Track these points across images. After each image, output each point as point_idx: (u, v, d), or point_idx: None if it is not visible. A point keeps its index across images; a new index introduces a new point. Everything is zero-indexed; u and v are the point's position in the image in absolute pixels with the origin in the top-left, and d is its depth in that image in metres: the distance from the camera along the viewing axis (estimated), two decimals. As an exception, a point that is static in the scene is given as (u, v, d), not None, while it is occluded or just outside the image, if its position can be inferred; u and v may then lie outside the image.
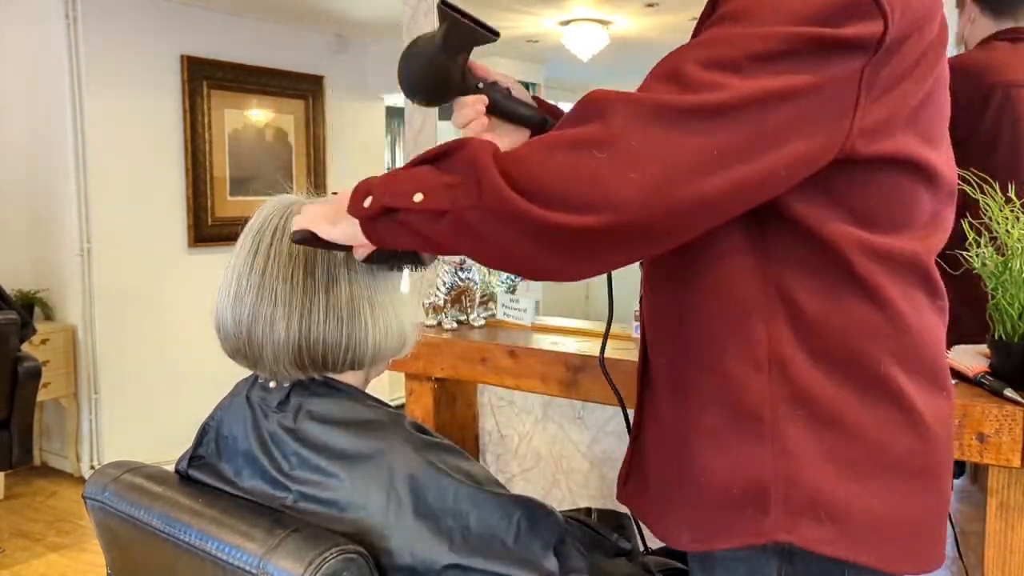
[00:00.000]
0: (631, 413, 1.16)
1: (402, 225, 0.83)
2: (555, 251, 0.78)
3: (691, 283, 0.92)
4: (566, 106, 1.48)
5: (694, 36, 0.92)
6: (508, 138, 1.09)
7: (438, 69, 1.05)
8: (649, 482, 1.01)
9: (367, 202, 0.85)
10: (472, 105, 1.06)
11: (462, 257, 2.02)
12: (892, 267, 0.88)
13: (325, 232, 0.90)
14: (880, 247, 0.87)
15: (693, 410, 0.92)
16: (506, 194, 0.75)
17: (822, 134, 0.79)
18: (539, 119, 1.11)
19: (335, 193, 0.96)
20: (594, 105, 0.80)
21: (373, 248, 0.92)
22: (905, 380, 0.89)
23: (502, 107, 1.10)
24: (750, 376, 0.88)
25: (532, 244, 0.78)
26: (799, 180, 0.82)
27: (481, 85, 1.09)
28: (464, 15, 1.00)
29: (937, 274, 0.93)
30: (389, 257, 0.97)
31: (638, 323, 1.32)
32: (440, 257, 1.01)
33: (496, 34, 1.01)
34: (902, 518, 0.90)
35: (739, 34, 0.78)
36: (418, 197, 0.81)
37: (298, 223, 0.93)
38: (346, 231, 0.89)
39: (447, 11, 1.00)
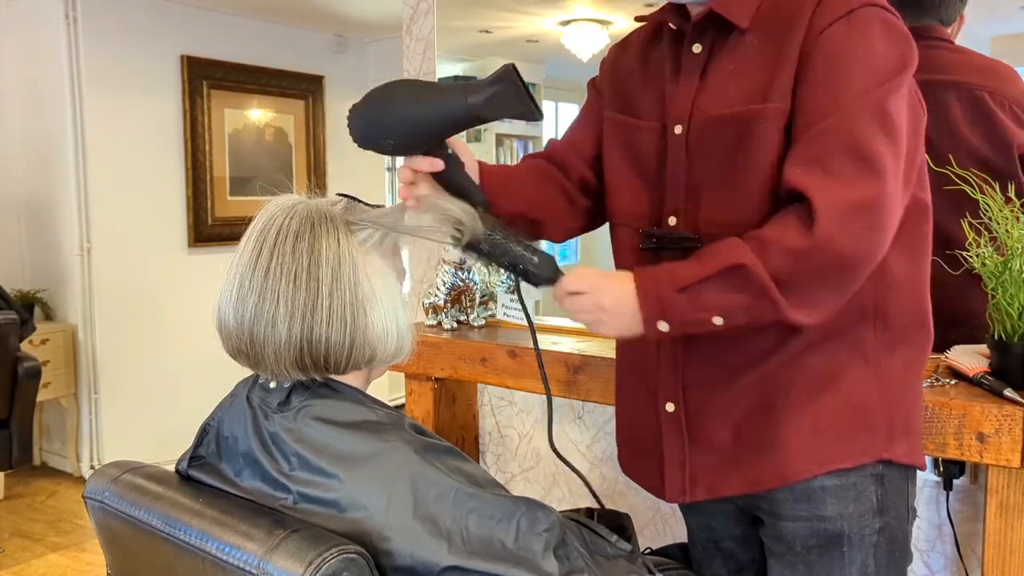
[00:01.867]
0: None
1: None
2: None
3: None
4: (566, 107, 1.48)
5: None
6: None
7: (445, 120, 1.04)
8: (737, 454, 1.15)
9: (663, 327, 1.03)
10: (429, 165, 1.11)
11: (462, 257, 2.02)
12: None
13: (604, 318, 1.07)
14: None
15: (795, 358, 1.10)
16: (791, 315, 1.01)
17: None
18: (483, 200, 1.14)
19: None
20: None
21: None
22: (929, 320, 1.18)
23: (453, 179, 1.12)
24: (855, 324, 1.10)
25: None
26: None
27: (450, 151, 1.11)
28: (525, 88, 1.01)
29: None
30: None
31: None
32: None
33: (541, 115, 1.06)
34: (920, 422, 1.20)
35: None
36: (718, 320, 1.02)
37: (580, 319, 1.08)
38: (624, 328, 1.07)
39: (513, 78, 1.00)
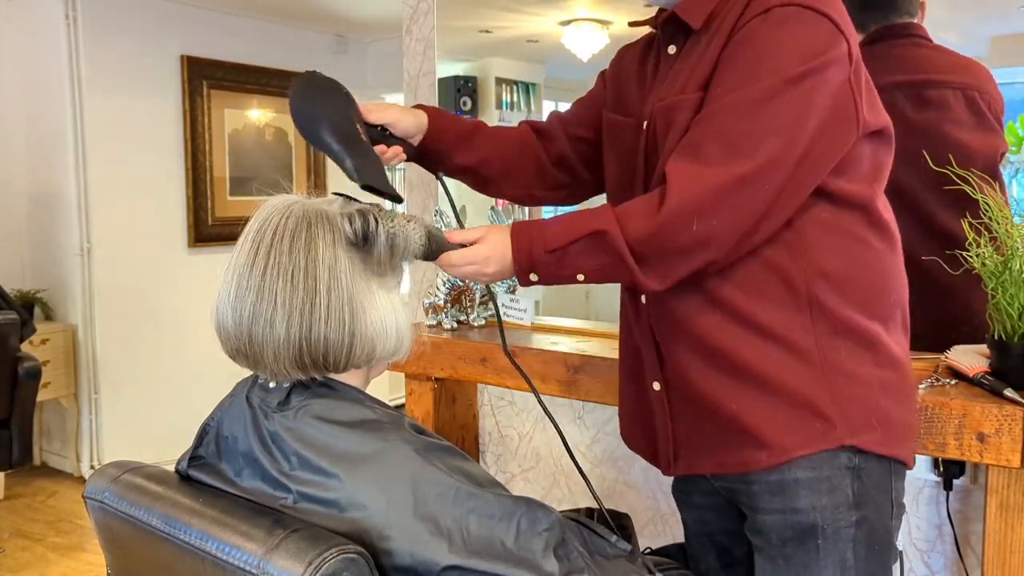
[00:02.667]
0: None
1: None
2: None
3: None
4: (565, 106, 1.50)
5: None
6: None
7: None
8: (708, 435, 1.20)
9: (533, 277, 1.14)
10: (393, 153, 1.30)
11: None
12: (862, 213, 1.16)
13: (485, 279, 1.18)
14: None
15: (744, 346, 1.14)
16: (641, 279, 1.10)
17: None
18: (413, 152, 1.34)
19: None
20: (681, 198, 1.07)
21: None
22: (902, 312, 1.21)
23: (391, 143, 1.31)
24: (793, 315, 1.12)
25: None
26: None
27: (381, 128, 1.29)
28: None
29: (886, 215, 1.19)
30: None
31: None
32: None
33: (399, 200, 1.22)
34: (911, 425, 1.21)
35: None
36: (580, 277, 1.13)
37: (470, 256, 1.14)
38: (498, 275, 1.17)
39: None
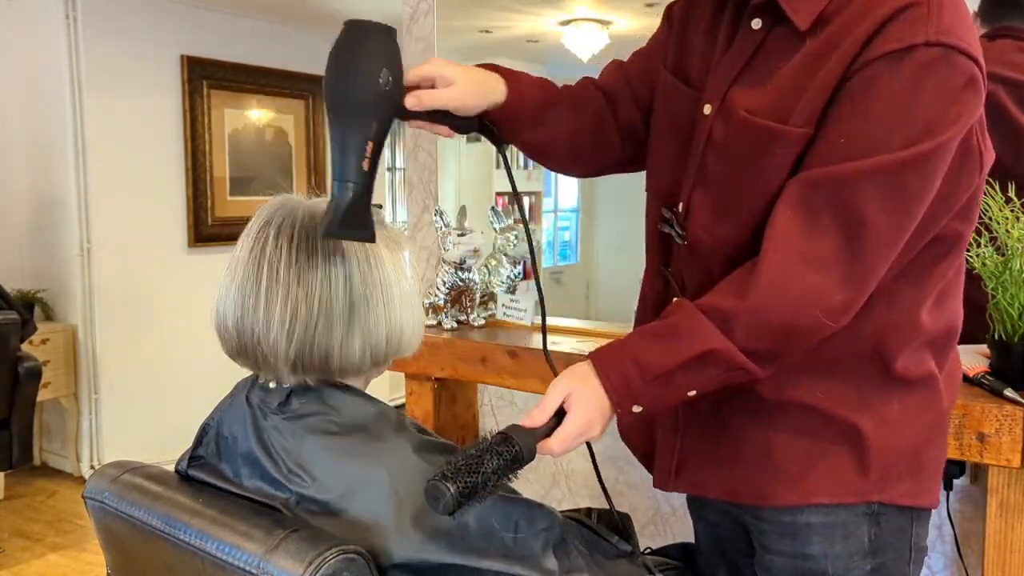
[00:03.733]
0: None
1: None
2: None
3: None
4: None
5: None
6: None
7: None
8: (721, 455, 1.11)
9: (636, 409, 0.99)
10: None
11: (462, 257, 2.02)
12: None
13: (598, 438, 1.02)
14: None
15: (794, 383, 1.04)
16: (760, 376, 0.99)
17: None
18: (469, 127, 1.14)
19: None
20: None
21: None
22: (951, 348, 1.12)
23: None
24: (854, 365, 1.04)
25: None
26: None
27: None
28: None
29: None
30: None
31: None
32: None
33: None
34: (941, 462, 1.13)
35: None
36: (691, 393, 0.99)
37: (574, 432, 0.98)
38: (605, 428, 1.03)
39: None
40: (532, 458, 0.93)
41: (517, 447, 0.91)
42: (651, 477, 1.23)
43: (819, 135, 0.95)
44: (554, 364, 1.20)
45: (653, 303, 1.21)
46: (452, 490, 0.84)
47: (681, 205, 1.10)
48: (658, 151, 1.18)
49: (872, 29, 0.90)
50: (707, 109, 1.06)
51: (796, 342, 0.97)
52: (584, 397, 0.98)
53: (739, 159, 1.02)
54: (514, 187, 1.20)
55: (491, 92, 1.14)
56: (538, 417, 0.97)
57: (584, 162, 1.29)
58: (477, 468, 0.86)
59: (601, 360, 1.00)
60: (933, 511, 1.15)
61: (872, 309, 1.00)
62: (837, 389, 1.04)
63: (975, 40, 0.92)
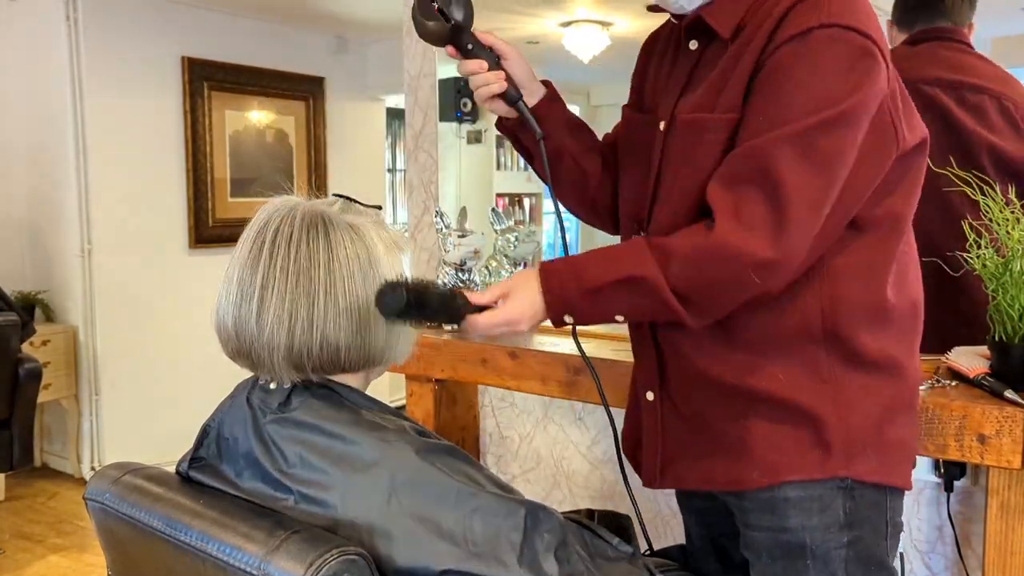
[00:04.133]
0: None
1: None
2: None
3: None
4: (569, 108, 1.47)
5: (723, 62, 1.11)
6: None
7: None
8: (699, 450, 1.18)
9: (568, 319, 1.09)
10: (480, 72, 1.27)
11: (462, 258, 2.02)
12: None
13: (523, 333, 1.14)
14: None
15: (755, 370, 1.11)
16: (684, 315, 1.06)
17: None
18: (516, 96, 1.27)
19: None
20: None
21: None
22: (919, 320, 1.17)
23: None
24: (805, 343, 1.10)
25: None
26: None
27: (470, 46, 1.25)
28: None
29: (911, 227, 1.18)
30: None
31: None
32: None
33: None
34: (910, 444, 1.18)
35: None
36: (619, 318, 1.10)
37: (500, 319, 1.08)
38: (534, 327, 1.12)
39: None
40: (460, 318, 1.06)
41: (461, 301, 1.05)
42: (651, 478, 1.26)
43: (742, 121, 1.05)
44: (582, 347, 1.29)
45: None
46: (405, 289, 0.96)
47: (647, 220, 1.19)
48: (626, 179, 1.29)
49: (775, 22, 1.03)
50: (661, 126, 1.17)
51: (723, 293, 1.06)
52: (521, 293, 1.08)
53: (682, 158, 1.13)
54: (545, 167, 1.31)
55: (532, 81, 1.31)
56: (478, 298, 1.08)
57: (590, 191, 1.38)
58: (426, 289, 0.99)
59: (546, 266, 1.10)
60: (934, 513, 1.17)
61: (818, 285, 1.09)
62: (795, 371, 1.10)
63: (869, 21, 1.03)
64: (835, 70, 1.01)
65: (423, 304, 0.98)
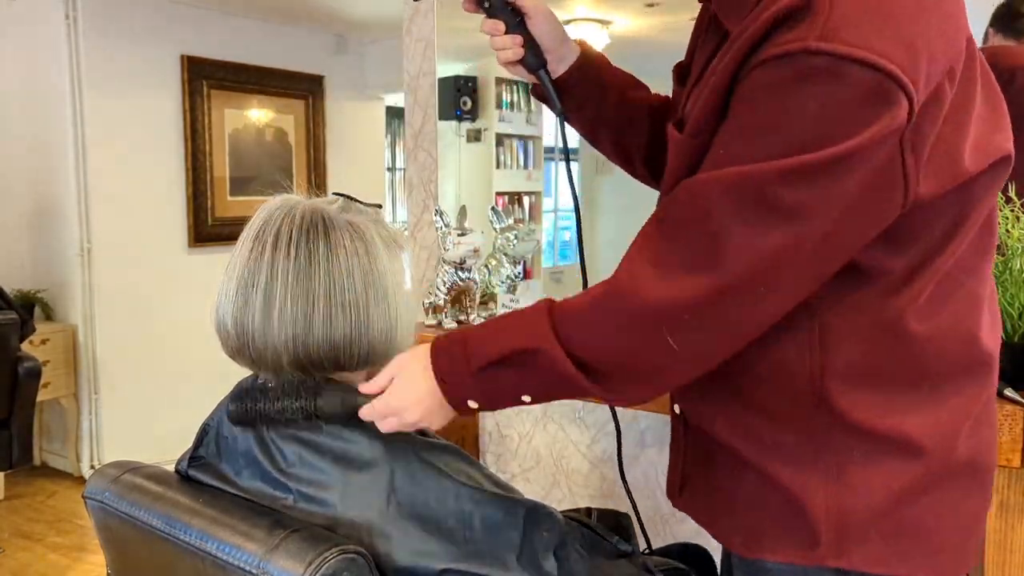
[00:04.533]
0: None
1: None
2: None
3: None
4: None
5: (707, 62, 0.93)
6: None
7: None
8: (708, 486, 1.03)
9: (472, 404, 0.92)
10: (491, 28, 1.11)
11: (462, 257, 2.02)
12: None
13: (413, 425, 0.95)
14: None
15: (745, 427, 0.94)
16: (596, 392, 0.88)
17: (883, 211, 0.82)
18: (535, 64, 1.12)
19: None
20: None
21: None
22: (956, 383, 0.92)
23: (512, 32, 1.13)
24: (798, 410, 0.90)
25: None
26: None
27: (487, 4, 1.10)
28: None
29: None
30: None
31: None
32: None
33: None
34: (953, 526, 0.92)
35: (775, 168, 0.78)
36: (526, 399, 0.92)
37: (379, 408, 0.95)
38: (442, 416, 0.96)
39: None
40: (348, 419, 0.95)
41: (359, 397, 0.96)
42: (650, 478, 1.24)
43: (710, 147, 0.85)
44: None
45: None
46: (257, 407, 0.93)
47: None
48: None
49: (762, 30, 0.78)
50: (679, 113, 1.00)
51: (633, 357, 0.86)
52: (408, 376, 0.94)
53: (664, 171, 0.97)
54: (567, 149, 1.20)
55: (563, 44, 1.13)
56: (369, 388, 0.96)
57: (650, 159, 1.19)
58: (299, 395, 0.95)
59: (438, 342, 0.93)
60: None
61: (806, 341, 0.88)
62: (784, 437, 0.91)
63: (891, 43, 0.73)
64: (817, 113, 0.75)
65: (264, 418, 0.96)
